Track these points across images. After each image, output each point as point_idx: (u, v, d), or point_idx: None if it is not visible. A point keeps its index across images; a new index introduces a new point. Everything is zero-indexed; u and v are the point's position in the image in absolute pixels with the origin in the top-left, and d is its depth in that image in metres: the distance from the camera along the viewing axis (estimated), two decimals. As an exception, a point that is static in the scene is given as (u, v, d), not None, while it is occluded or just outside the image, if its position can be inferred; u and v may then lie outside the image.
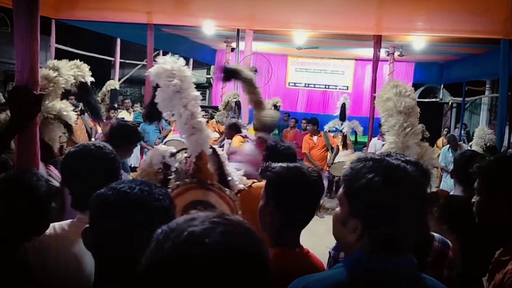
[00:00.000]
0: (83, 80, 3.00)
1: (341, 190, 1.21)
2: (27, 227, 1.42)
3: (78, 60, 3.11)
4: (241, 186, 2.68)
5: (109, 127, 3.26)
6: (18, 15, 1.91)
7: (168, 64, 2.42)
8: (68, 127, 2.99)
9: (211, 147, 2.54)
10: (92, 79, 3.06)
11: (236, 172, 2.73)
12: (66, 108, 2.90)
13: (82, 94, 3.02)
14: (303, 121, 8.82)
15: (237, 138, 4.74)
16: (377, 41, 6.77)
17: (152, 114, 2.73)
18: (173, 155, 2.65)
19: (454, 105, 16.58)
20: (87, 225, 1.14)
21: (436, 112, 16.01)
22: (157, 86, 2.48)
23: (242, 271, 0.71)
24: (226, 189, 2.50)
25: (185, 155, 2.66)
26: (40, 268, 1.52)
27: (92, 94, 3.12)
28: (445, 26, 6.26)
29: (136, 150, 8.10)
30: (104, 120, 7.60)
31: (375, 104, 3.14)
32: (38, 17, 1.96)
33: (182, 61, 2.49)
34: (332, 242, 1.92)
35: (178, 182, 2.50)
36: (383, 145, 3.05)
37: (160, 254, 0.73)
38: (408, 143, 2.70)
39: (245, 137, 4.57)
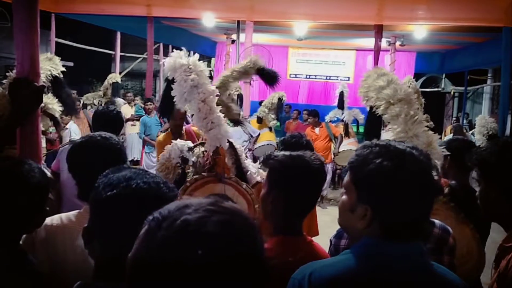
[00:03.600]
0: (56, 74, 2.99)
1: (347, 177, 1.19)
2: (20, 219, 1.39)
3: (50, 54, 3.12)
4: (259, 178, 2.69)
5: (93, 115, 3.24)
6: (18, 7, 1.91)
7: (183, 58, 2.43)
8: (55, 120, 3.00)
9: (228, 141, 2.56)
10: (63, 69, 3.06)
11: (253, 165, 2.76)
12: (51, 101, 2.91)
13: (55, 88, 3.01)
14: (305, 112, 8.81)
15: None
16: (378, 31, 6.74)
17: (167, 108, 2.74)
18: (190, 149, 2.68)
19: (456, 94, 16.52)
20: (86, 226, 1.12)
21: (438, 101, 15.97)
22: (170, 80, 2.49)
23: (238, 263, 0.67)
24: (243, 182, 2.53)
25: (203, 149, 2.69)
26: (48, 259, 1.52)
27: (65, 87, 3.10)
28: (447, 15, 6.24)
29: (138, 143, 8.10)
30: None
31: (360, 94, 2.94)
32: (37, 9, 1.95)
33: (196, 55, 2.50)
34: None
35: (196, 176, 2.54)
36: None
37: (152, 244, 0.69)
38: (417, 131, 2.61)
39: None
